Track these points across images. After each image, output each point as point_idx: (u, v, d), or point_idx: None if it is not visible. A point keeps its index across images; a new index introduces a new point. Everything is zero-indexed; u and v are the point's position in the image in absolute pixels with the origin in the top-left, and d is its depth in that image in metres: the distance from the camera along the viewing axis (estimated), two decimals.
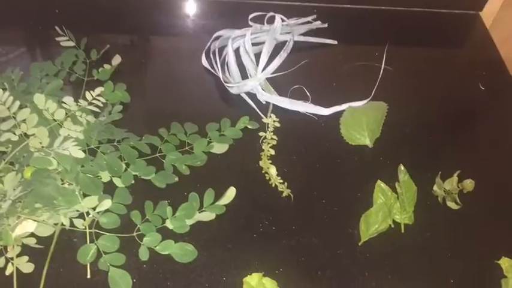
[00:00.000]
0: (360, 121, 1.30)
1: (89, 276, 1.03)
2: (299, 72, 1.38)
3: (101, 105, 1.17)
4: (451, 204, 1.20)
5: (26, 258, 1.03)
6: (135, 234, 1.07)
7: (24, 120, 1.09)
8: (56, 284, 1.02)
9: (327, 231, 1.14)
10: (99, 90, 1.18)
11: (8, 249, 1.03)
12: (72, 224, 1.07)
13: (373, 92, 1.36)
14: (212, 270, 1.06)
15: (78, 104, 1.16)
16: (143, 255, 1.05)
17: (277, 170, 1.21)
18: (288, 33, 1.46)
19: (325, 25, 1.53)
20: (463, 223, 1.19)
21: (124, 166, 1.14)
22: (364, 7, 1.64)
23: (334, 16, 1.57)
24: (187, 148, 1.21)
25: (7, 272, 1.01)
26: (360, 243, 1.13)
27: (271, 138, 1.26)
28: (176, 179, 1.16)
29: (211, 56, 1.40)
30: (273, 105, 1.33)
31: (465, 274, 1.11)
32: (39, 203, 1.05)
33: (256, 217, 1.14)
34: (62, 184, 1.08)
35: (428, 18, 1.64)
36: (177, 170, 1.17)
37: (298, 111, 1.33)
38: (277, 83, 1.37)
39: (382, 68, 1.41)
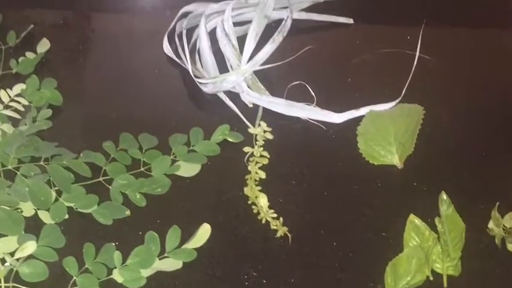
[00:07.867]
0: (386, 132, 1.31)
1: None
2: (300, 63, 1.38)
3: (22, 109, 1.18)
4: None
5: None
6: None
7: None
8: None
9: (340, 286, 1.14)
10: (19, 88, 1.18)
11: None
12: None
13: (404, 90, 1.37)
14: None
15: None
16: None
17: (268, 200, 1.21)
18: (285, 8, 1.47)
19: None
20: None
21: (54, 195, 1.14)
22: None
23: None
24: (142, 169, 1.21)
25: None
26: None
27: (261, 156, 1.26)
28: (127, 212, 1.16)
29: (177, 40, 1.41)
30: (264, 109, 1.34)
31: None
32: None
33: (239, 266, 1.14)
34: None
35: None
36: (128, 199, 1.17)
37: (299, 118, 1.34)
38: (269, 78, 1.38)
39: (417, 57, 1.42)
